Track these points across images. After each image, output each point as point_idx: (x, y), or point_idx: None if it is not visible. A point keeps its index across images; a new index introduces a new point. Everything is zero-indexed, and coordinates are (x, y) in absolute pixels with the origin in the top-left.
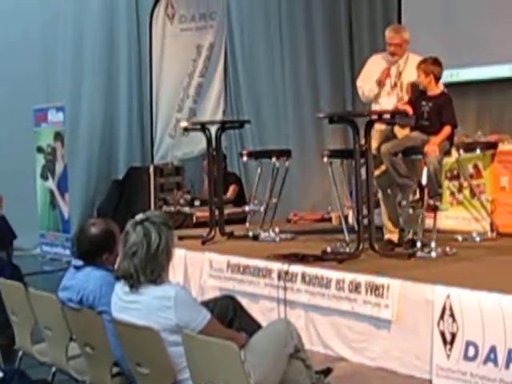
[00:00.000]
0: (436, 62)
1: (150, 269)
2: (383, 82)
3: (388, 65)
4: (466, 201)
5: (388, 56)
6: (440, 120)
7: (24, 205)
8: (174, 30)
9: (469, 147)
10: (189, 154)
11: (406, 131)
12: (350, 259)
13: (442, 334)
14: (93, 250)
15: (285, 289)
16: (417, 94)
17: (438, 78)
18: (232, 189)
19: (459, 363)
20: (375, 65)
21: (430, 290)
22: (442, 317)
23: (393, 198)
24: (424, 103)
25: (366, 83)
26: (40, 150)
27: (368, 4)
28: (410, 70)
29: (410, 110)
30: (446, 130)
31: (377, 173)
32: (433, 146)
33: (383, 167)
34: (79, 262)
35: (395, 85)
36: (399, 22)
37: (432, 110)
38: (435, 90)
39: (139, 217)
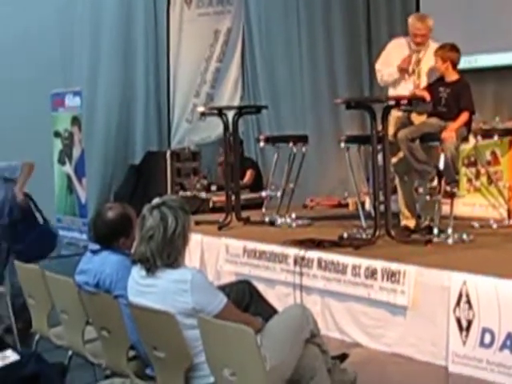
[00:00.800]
0: (453, 48)
1: (166, 253)
2: (405, 69)
3: (410, 52)
4: (483, 187)
5: (410, 42)
6: (458, 106)
7: (41, 189)
8: (191, 14)
9: (486, 134)
10: (206, 138)
11: (423, 118)
12: (367, 245)
13: (458, 321)
14: (109, 234)
15: (301, 274)
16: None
17: (455, 65)
18: (249, 174)
19: (475, 350)
20: (395, 49)
21: (446, 276)
22: (458, 303)
23: (410, 185)
24: (442, 89)
25: (385, 67)
26: (57, 134)
27: None
28: (429, 58)
29: (427, 96)
30: (464, 116)
31: (394, 160)
32: (450, 132)
33: (401, 154)
34: (96, 246)
35: (413, 72)
36: (417, 6)
37: (450, 97)
38: (453, 76)
39: (156, 201)
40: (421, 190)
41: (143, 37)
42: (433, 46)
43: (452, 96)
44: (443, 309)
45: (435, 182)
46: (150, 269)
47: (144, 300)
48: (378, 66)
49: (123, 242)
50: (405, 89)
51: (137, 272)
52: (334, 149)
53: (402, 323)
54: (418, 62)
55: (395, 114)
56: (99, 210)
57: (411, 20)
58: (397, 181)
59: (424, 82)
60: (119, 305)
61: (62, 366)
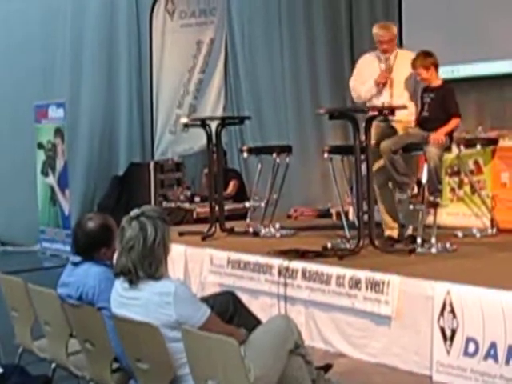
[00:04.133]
0: (428, 53)
1: (147, 263)
2: (383, 84)
3: (381, 63)
4: (466, 197)
5: (379, 54)
6: (442, 110)
7: (24, 201)
8: (174, 25)
9: (469, 143)
10: (189, 150)
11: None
12: (351, 255)
13: (442, 330)
14: (90, 245)
15: (285, 285)
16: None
17: (437, 67)
18: (232, 184)
19: (459, 359)
20: (366, 65)
21: (430, 286)
22: (442, 313)
23: (391, 194)
24: (425, 95)
25: (359, 85)
26: (40, 146)
27: None
28: (400, 66)
29: None
30: (454, 121)
31: (374, 167)
32: (440, 135)
33: (381, 162)
34: (77, 258)
35: (386, 82)
36: (400, 17)
37: (433, 101)
38: (437, 81)
39: (134, 212)
40: (403, 199)
41: (126, 48)
42: (401, 53)
43: (436, 100)
44: (427, 318)
45: (415, 191)
46: (133, 280)
47: (127, 312)
48: (352, 82)
49: (104, 253)
50: (378, 100)
51: (120, 284)
52: (317, 159)
53: (386, 333)
54: (390, 70)
55: (376, 122)
56: (79, 221)
57: (375, 29)
58: (375, 191)
59: (400, 90)
60: (102, 317)
61: (46, 379)
